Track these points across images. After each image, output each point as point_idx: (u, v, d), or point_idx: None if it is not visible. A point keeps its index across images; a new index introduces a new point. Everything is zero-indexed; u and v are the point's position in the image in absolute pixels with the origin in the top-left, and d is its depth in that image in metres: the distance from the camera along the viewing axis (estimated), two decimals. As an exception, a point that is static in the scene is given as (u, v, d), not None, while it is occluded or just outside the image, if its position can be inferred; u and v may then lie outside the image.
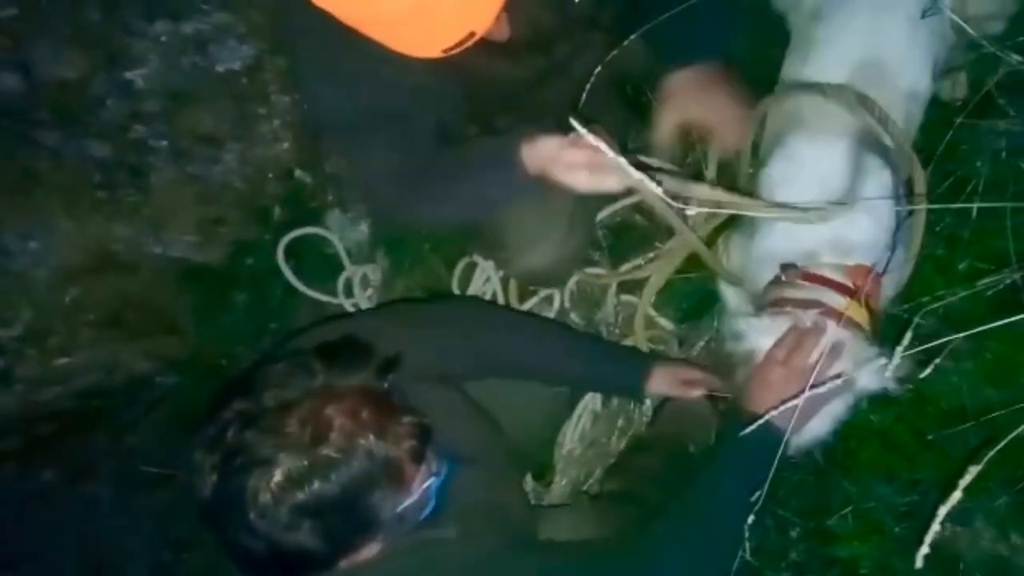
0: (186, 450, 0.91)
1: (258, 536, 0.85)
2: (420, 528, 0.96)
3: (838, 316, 1.03)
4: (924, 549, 0.67)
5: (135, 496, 1.57)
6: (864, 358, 1.02)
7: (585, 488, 1.53)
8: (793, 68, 1.22)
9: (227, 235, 1.66)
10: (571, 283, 1.61)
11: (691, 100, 1.17)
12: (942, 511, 0.74)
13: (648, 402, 1.53)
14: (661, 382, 1.36)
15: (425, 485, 0.92)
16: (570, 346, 1.36)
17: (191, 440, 0.90)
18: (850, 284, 1.07)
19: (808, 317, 1.05)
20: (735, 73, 1.20)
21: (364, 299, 1.66)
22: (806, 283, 1.09)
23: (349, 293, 1.66)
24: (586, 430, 1.52)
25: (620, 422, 1.54)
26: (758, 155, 1.24)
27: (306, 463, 0.85)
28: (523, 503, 1.27)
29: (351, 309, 1.65)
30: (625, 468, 1.47)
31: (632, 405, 1.55)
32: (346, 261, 1.67)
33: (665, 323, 1.58)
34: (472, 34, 0.92)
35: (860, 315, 1.05)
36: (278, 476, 0.84)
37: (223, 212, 1.65)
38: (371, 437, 0.87)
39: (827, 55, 1.17)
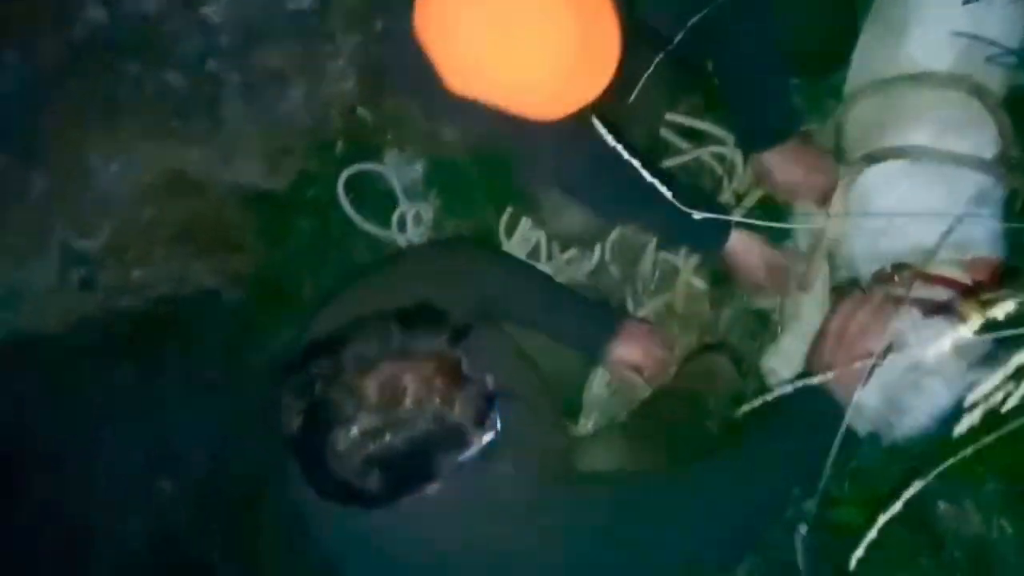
0: (276, 389, 1.01)
1: (332, 476, 0.96)
2: (477, 465, 1.04)
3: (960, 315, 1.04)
4: (859, 552, 0.74)
5: (198, 397, 1.76)
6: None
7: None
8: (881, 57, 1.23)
9: (292, 165, 1.78)
10: (613, 235, 1.68)
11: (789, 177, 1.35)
12: (913, 488, 0.81)
13: (676, 352, 1.61)
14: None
15: (485, 441, 1.01)
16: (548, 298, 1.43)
17: (282, 381, 1.01)
18: (968, 281, 1.09)
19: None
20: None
21: (416, 235, 1.77)
22: (922, 282, 1.10)
23: (403, 228, 1.78)
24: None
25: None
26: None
27: (380, 423, 0.94)
28: (565, 438, 1.39)
29: (403, 244, 1.76)
30: (647, 414, 1.57)
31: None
32: (401, 198, 1.78)
33: (699, 283, 1.64)
34: None
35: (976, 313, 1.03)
36: (355, 432, 0.93)
37: (289, 143, 1.77)
38: (440, 404, 0.96)
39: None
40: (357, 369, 0.96)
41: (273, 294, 1.80)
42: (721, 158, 1.62)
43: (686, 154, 1.63)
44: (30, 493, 1.65)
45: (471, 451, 0.99)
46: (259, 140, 1.73)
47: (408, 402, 0.94)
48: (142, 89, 1.62)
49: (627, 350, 1.46)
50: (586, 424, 1.67)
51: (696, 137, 1.64)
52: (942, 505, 1.23)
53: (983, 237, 1.14)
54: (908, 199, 1.21)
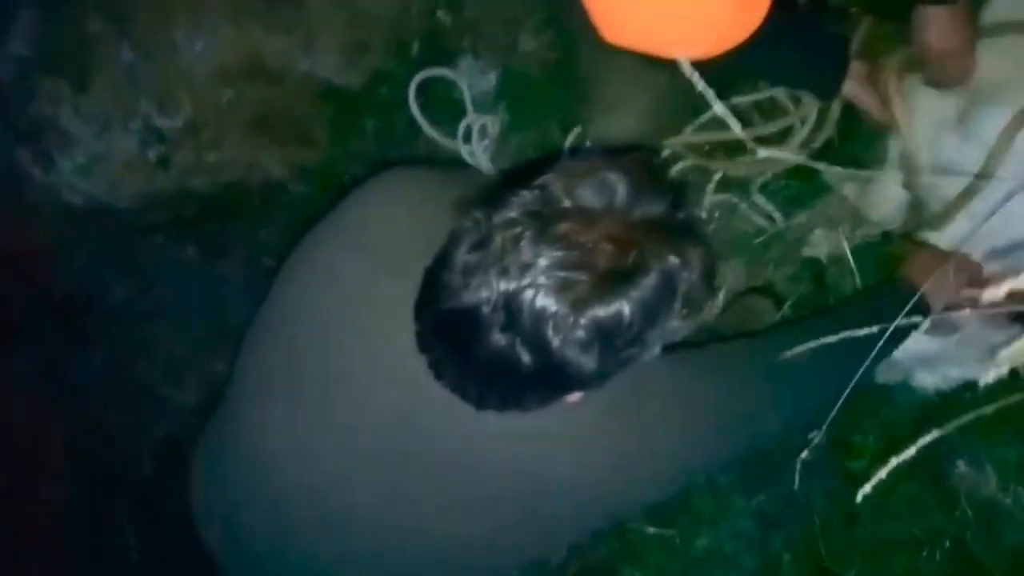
0: (446, 242, 0.89)
1: (542, 351, 0.83)
2: None
3: None
4: (866, 488, 0.84)
5: (257, 284, 1.91)
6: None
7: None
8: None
9: (368, 63, 1.87)
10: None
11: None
12: (929, 435, 0.90)
13: (722, 294, 1.70)
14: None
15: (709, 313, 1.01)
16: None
17: (454, 231, 0.88)
18: None
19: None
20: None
21: (480, 148, 1.86)
22: None
23: (468, 139, 1.87)
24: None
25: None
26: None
27: (611, 281, 0.82)
28: None
29: (467, 156, 1.86)
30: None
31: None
32: (470, 108, 1.86)
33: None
34: None
35: None
36: (580, 294, 0.82)
37: (368, 39, 1.86)
38: (677, 264, 0.86)
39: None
40: (577, 215, 0.84)
41: (336, 190, 1.92)
42: (797, 100, 1.67)
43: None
44: (97, 348, 1.84)
45: (686, 330, 0.90)
46: (340, 32, 1.82)
47: (640, 255, 0.83)
48: (231, -31, 1.72)
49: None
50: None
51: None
52: (961, 464, 1.33)
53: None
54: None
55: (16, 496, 1.56)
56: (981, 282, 1.31)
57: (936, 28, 1.27)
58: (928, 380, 1.35)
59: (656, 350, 0.90)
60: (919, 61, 1.34)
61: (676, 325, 0.89)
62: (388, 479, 1.02)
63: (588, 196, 0.86)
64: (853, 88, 1.38)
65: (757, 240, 1.69)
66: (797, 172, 1.64)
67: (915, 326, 1.14)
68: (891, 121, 1.39)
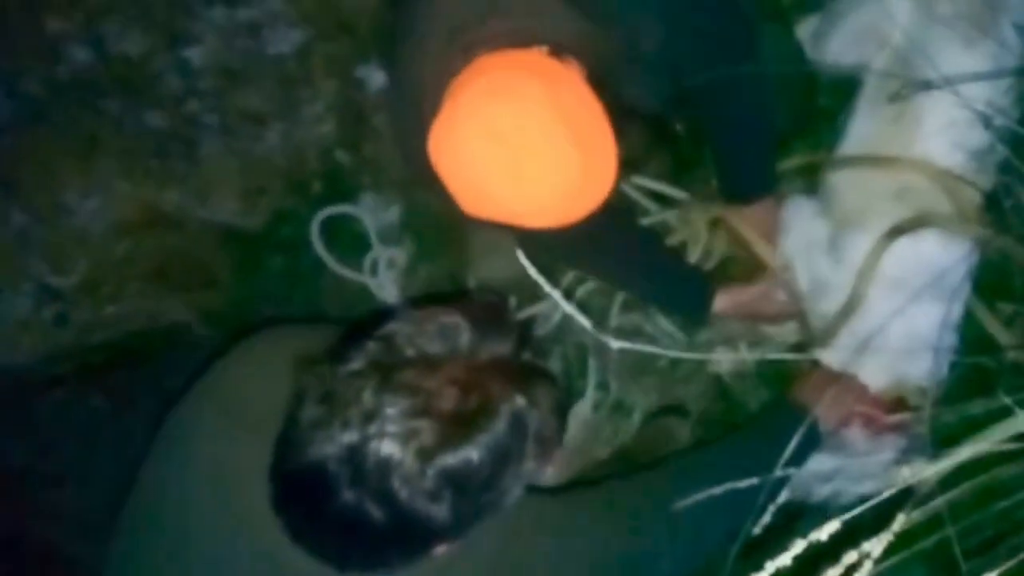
0: (290, 400, 0.89)
1: (389, 504, 0.82)
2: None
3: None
4: None
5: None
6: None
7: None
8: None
9: (267, 204, 1.89)
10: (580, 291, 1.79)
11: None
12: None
13: (636, 415, 1.73)
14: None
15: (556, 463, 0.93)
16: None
17: (298, 388, 0.88)
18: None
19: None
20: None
21: (388, 280, 1.89)
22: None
23: (374, 272, 1.89)
24: (575, 436, 1.74)
25: (607, 432, 1.75)
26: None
27: (458, 427, 0.82)
28: None
29: (375, 289, 1.88)
30: (608, 469, 1.70)
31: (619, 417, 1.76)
32: (375, 241, 1.89)
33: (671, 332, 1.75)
34: None
35: None
36: (426, 442, 0.81)
37: (265, 183, 1.88)
38: (525, 405, 0.86)
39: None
40: (421, 363, 0.84)
41: (244, 331, 1.92)
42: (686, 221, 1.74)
43: (653, 215, 1.74)
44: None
45: (544, 474, 0.91)
46: (235, 180, 1.85)
47: (486, 400, 0.83)
48: (122, 128, 1.74)
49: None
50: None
51: (660, 199, 1.76)
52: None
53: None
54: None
55: None
56: (869, 400, 1.36)
57: (755, 222, 1.49)
58: (826, 496, 1.38)
59: (515, 493, 0.89)
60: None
61: (532, 466, 0.88)
62: None
63: (431, 342, 0.86)
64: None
65: (663, 361, 1.73)
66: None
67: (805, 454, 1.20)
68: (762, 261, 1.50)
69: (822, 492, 1.39)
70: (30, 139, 1.73)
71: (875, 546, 0.84)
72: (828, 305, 1.39)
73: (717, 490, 1.04)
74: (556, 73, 1.07)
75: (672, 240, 1.68)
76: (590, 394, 1.76)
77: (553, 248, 1.44)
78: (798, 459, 1.18)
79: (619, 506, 1.18)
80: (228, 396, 1.08)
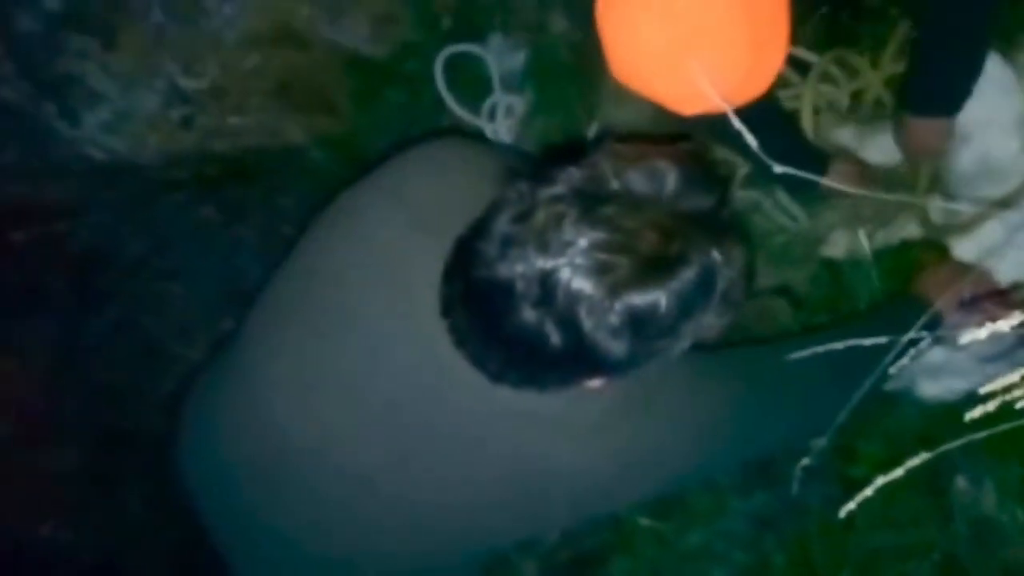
0: (486, 209, 0.89)
1: (571, 331, 0.84)
2: None
3: None
4: (850, 505, 0.87)
5: (272, 248, 1.97)
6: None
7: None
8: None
9: (395, 34, 1.91)
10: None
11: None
12: (918, 458, 0.94)
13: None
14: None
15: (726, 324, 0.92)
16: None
17: (497, 200, 0.88)
18: None
19: None
20: None
21: (504, 128, 1.90)
22: None
23: (492, 118, 1.90)
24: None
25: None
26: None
27: (648, 269, 0.83)
28: None
29: (490, 134, 1.89)
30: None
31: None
32: (497, 86, 1.90)
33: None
34: None
35: None
36: (618, 278, 0.82)
37: (396, 12, 1.89)
38: (719, 261, 0.86)
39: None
40: (626, 200, 0.84)
41: (356, 160, 1.97)
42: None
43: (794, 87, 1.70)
44: (112, 305, 1.91)
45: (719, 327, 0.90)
46: (367, 4, 1.86)
47: (685, 248, 0.84)
48: (263, -66, 1.76)
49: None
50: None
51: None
52: (960, 480, 1.36)
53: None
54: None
55: (27, 454, 1.64)
56: (999, 297, 1.33)
57: (918, 137, 1.41)
58: (932, 391, 1.38)
59: (685, 344, 0.90)
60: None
61: (710, 323, 0.89)
62: (389, 440, 1.03)
63: (638, 181, 0.86)
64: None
65: (778, 239, 1.72)
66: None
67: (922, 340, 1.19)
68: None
69: (927, 386, 1.39)
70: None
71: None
72: (986, 190, 1.34)
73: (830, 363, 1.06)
74: None
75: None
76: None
77: None
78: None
79: (737, 373, 1.19)
80: (408, 193, 1.08)
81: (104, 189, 1.89)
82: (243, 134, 1.91)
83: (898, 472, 0.88)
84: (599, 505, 1.17)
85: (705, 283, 0.85)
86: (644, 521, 1.52)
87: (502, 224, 0.86)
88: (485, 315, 0.89)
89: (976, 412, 0.81)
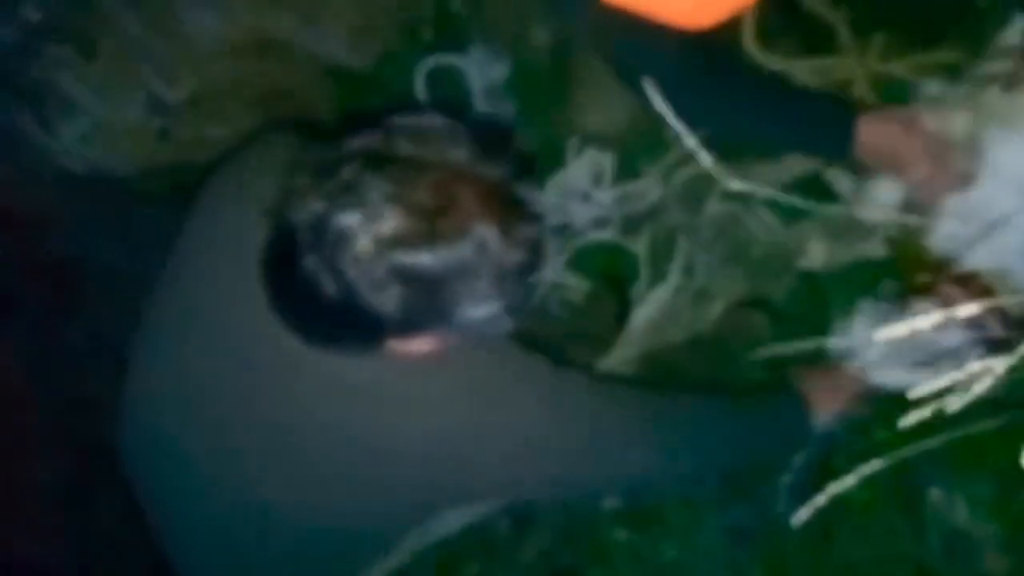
0: (291, 169, 0.94)
1: (340, 280, 0.88)
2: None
3: None
4: (802, 514, 0.90)
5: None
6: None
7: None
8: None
9: (375, 45, 1.93)
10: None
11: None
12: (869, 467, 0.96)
13: (718, 304, 1.77)
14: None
15: (511, 304, 0.95)
16: None
17: (293, 161, 0.95)
18: None
19: None
20: None
21: (484, 138, 1.93)
22: None
23: (473, 128, 1.93)
24: (650, 315, 1.79)
25: (685, 317, 1.79)
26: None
27: (420, 229, 0.86)
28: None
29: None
30: (679, 355, 1.76)
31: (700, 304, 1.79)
32: (478, 98, 1.92)
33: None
34: None
35: None
36: (387, 231, 0.86)
37: (376, 21, 1.92)
38: (495, 232, 0.89)
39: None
40: (410, 160, 0.89)
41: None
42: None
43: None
44: (86, 312, 1.92)
45: (496, 309, 0.93)
46: (347, 14, 1.88)
47: (458, 212, 0.88)
48: (244, -57, 1.78)
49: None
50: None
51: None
52: (934, 492, 1.39)
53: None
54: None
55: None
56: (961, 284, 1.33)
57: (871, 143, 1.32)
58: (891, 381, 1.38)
59: (473, 310, 0.92)
60: None
61: (487, 290, 0.91)
62: (271, 453, 1.10)
63: (428, 144, 0.91)
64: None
65: (755, 250, 1.75)
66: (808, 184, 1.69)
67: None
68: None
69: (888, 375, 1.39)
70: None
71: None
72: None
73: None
74: None
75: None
76: (673, 278, 1.80)
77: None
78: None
79: (617, 403, 1.23)
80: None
81: (80, 199, 1.90)
82: (222, 145, 1.92)
83: (849, 480, 0.91)
84: (477, 486, 1.16)
85: (477, 251, 0.89)
86: (621, 535, 1.54)
87: (294, 180, 0.93)
88: (278, 269, 0.95)
89: (911, 419, 0.83)
